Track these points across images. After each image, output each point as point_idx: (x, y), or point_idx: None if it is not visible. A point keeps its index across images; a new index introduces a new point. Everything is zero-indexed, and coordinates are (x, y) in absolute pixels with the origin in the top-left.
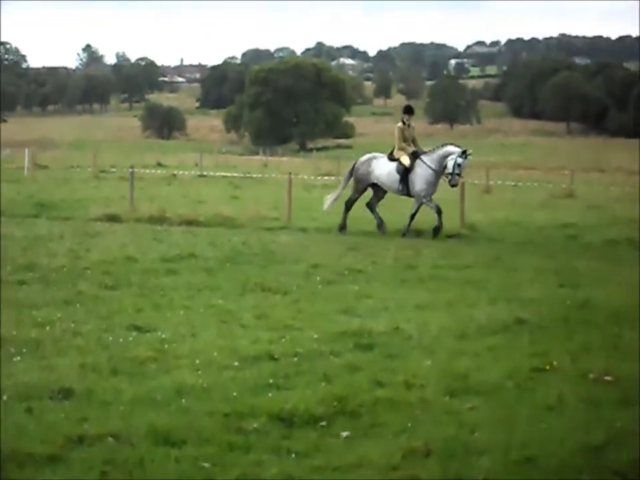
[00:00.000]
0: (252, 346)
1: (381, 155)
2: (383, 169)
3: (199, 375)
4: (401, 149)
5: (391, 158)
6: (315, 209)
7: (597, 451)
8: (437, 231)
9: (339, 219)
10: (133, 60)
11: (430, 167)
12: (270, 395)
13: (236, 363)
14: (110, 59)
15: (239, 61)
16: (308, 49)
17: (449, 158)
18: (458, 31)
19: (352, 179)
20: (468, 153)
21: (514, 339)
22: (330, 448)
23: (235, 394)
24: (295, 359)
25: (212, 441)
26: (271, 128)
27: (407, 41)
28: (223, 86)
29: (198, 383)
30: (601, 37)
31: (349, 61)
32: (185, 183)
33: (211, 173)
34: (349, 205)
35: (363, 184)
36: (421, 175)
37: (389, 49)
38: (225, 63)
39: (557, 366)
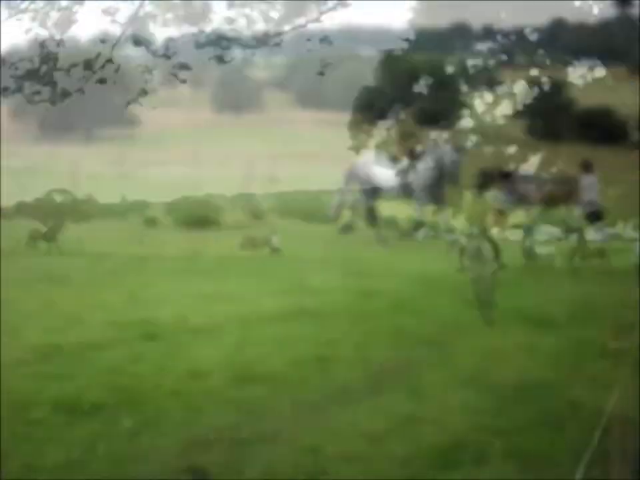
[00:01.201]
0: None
1: (377, 153)
2: (383, 170)
3: None
4: (399, 145)
5: (390, 157)
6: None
7: (380, 439)
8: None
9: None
10: None
11: (429, 166)
12: (55, 384)
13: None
14: None
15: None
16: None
17: (443, 156)
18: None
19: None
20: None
21: (299, 328)
22: (114, 437)
23: (19, 383)
24: (80, 348)
25: None
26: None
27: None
28: None
29: None
30: (386, 27)
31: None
32: None
33: None
34: (371, 215)
35: (370, 186)
36: (421, 174)
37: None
38: None
39: (342, 355)
